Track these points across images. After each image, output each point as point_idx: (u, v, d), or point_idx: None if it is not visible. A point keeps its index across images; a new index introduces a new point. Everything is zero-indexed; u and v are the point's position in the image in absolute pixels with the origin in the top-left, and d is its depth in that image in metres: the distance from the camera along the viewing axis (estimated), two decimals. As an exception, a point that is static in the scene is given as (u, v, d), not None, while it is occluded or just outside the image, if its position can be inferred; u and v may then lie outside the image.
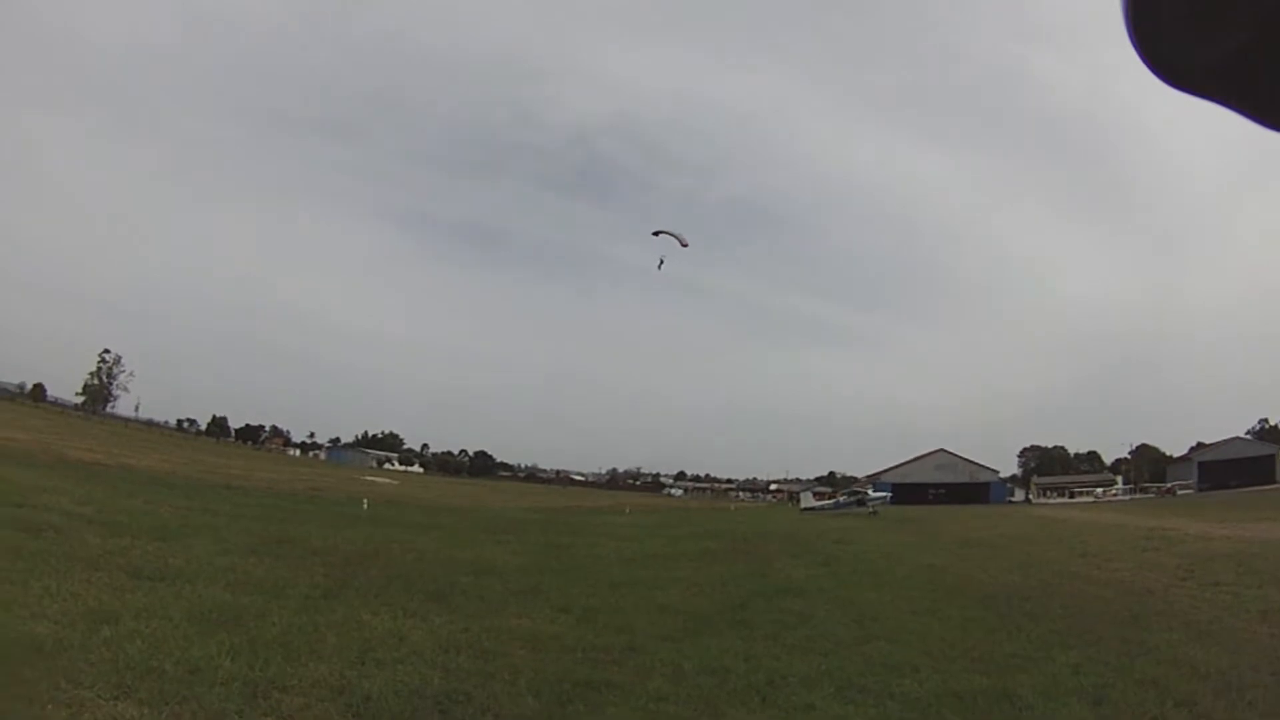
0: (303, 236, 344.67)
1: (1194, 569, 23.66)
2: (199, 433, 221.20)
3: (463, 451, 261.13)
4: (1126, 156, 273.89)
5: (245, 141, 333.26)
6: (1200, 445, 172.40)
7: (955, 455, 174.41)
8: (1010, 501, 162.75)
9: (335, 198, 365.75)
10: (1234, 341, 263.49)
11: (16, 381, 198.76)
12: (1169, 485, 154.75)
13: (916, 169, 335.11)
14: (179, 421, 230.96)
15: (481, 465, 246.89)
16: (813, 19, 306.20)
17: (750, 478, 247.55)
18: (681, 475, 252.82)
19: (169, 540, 18.31)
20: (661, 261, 28.39)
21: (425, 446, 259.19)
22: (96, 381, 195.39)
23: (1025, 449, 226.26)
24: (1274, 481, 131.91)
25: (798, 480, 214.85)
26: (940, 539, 44.96)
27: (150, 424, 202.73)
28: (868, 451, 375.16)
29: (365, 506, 40.93)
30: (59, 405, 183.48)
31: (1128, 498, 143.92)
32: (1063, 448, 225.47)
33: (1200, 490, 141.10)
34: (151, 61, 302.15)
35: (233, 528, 23.09)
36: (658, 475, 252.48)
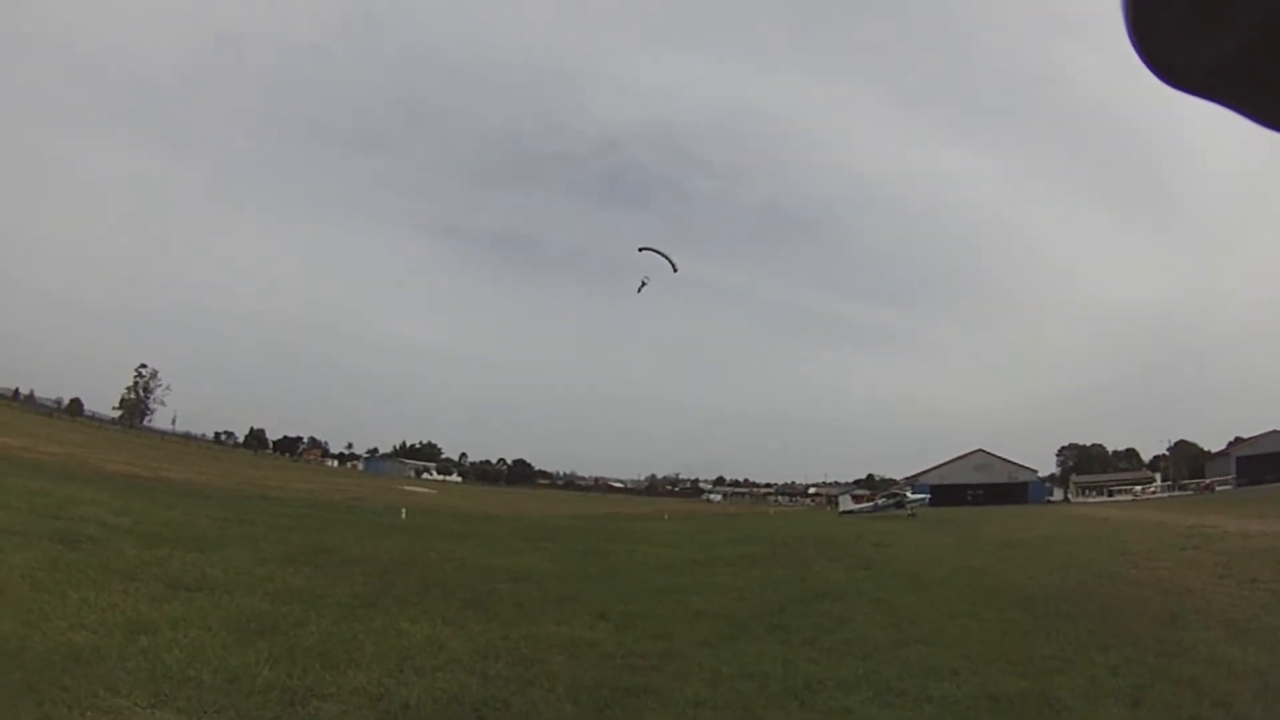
0: (338, 248, 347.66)
1: (1232, 566, 23.42)
2: (236, 445, 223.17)
3: (501, 460, 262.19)
4: (1163, 154, 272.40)
5: (279, 155, 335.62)
6: (1238, 440, 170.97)
7: (993, 455, 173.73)
8: (1049, 501, 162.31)
9: (370, 209, 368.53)
10: (1271, 335, 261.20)
11: (54, 397, 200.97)
12: (1207, 481, 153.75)
13: (951, 169, 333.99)
14: (216, 434, 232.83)
15: (519, 473, 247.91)
16: (843, 21, 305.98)
17: (789, 481, 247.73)
18: (720, 480, 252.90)
19: (206, 551, 18.38)
20: (643, 284, 27.91)
21: (463, 455, 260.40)
22: (133, 396, 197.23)
23: (1063, 448, 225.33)
24: None
25: (836, 483, 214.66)
26: (979, 540, 44.63)
27: (187, 437, 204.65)
28: (906, 453, 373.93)
29: (403, 516, 41.00)
30: (96, 420, 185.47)
31: (1166, 495, 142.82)
32: (1101, 446, 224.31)
33: (1239, 486, 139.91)
34: (187, 78, 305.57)
35: (270, 538, 23.16)
36: (696, 481, 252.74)
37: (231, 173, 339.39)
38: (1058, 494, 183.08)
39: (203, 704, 7.99)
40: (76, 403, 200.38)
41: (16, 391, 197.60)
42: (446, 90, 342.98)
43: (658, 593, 19.65)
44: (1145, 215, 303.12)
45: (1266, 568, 22.36)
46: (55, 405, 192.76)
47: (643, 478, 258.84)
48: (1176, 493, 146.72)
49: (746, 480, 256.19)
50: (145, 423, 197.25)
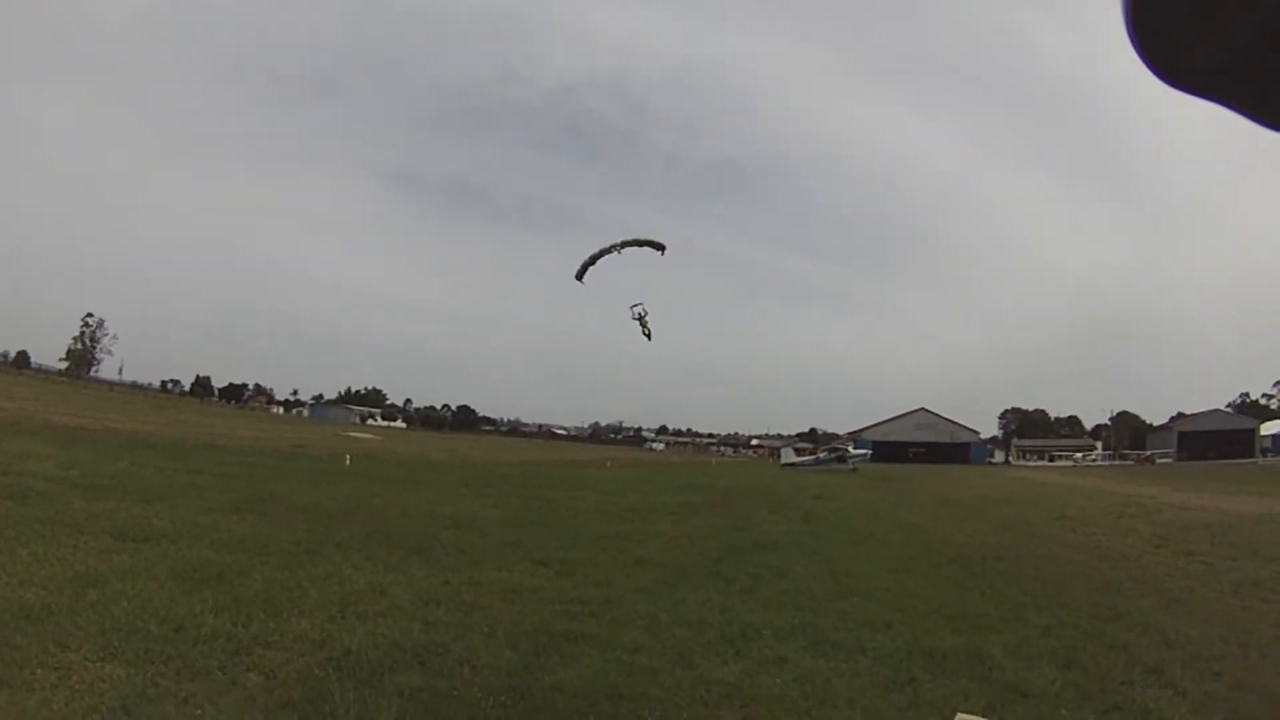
0: (286, 195, 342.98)
1: (1169, 538, 23.88)
2: (183, 394, 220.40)
3: (445, 406, 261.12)
4: (1122, 128, 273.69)
5: (226, 102, 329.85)
6: (1181, 415, 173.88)
7: (936, 415, 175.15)
8: (990, 462, 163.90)
9: (318, 156, 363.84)
10: (1218, 316, 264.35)
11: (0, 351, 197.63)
12: (1148, 453, 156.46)
13: (906, 131, 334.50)
14: (163, 383, 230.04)
15: (464, 420, 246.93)
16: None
17: (732, 433, 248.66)
18: (663, 429, 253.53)
19: (153, 501, 18.46)
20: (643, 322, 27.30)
21: (408, 402, 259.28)
22: (80, 346, 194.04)
23: (1006, 411, 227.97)
24: (1252, 455, 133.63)
25: (779, 436, 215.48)
26: (918, 498, 45.41)
27: (135, 386, 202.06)
28: (849, 409, 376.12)
29: (348, 462, 40.97)
30: (43, 372, 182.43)
31: (1107, 464, 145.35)
32: (1044, 411, 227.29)
33: (1179, 460, 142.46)
34: (130, 22, 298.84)
35: (215, 487, 23.22)
36: (639, 429, 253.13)
37: (178, 121, 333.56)
38: (999, 456, 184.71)
39: (150, 655, 8.15)
40: (23, 355, 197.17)
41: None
42: (399, 37, 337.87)
43: (598, 540, 19.91)
44: (1100, 187, 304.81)
45: (1202, 541, 22.83)
46: (1, 359, 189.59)
47: (586, 425, 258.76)
48: (1117, 462, 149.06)
49: (690, 430, 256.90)
50: (92, 373, 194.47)
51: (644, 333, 26.90)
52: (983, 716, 7.91)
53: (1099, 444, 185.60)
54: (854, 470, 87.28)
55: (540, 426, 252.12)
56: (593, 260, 26.98)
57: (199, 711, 6.98)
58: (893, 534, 25.12)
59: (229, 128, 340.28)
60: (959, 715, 7.95)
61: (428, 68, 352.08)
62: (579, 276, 25.65)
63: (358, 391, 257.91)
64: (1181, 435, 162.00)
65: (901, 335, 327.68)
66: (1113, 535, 25.04)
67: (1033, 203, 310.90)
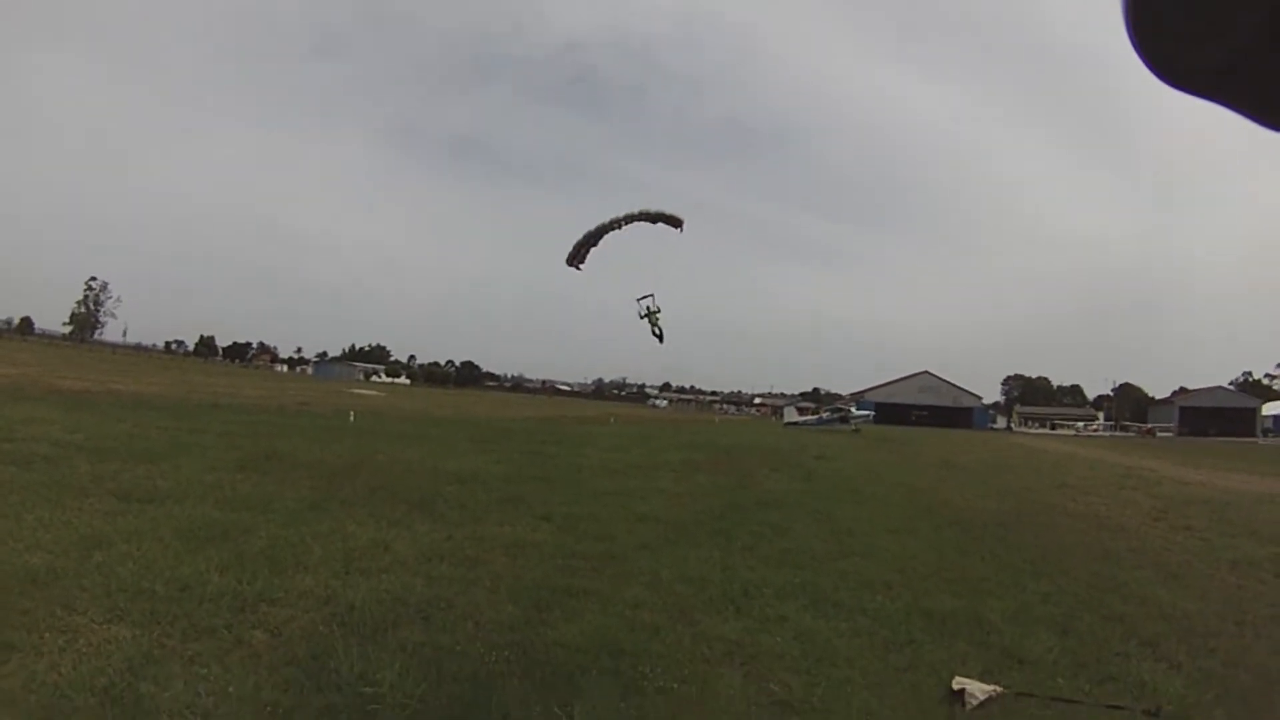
0: (290, 153, 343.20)
1: (1167, 511, 23.87)
2: (187, 354, 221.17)
3: (449, 362, 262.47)
4: (1134, 98, 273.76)
5: (228, 61, 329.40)
6: (1183, 390, 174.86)
7: (939, 378, 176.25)
8: (992, 428, 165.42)
9: (321, 114, 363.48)
10: (1224, 293, 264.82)
11: (4, 318, 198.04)
12: (1149, 426, 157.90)
13: (915, 93, 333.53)
14: (167, 344, 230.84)
15: (468, 376, 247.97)
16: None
17: (735, 391, 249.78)
18: (667, 386, 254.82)
19: (157, 462, 18.54)
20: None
21: (412, 358, 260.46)
22: (83, 310, 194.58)
23: (1009, 377, 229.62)
24: (1254, 434, 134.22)
25: (782, 395, 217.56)
26: (920, 460, 45.59)
27: (139, 348, 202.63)
28: (852, 370, 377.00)
29: (351, 419, 41.12)
30: (47, 337, 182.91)
31: (1108, 434, 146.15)
32: (1046, 379, 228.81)
33: (1180, 435, 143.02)
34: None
35: (219, 446, 23.29)
36: (643, 386, 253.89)
37: (179, 80, 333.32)
38: (1001, 422, 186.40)
39: (156, 615, 8.21)
40: (26, 321, 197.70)
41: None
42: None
43: (601, 496, 20.02)
44: (1109, 157, 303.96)
45: (1201, 516, 22.84)
46: (5, 326, 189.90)
47: (590, 382, 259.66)
48: (1118, 433, 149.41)
49: (693, 388, 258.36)
50: (96, 336, 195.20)
51: (654, 333, 25.86)
52: (980, 680, 7.99)
53: (1101, 414, 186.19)
54: (856, 431, 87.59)
55: (544, 383, 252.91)
56: (592, 240, 25.43)
57: (205, 670, 7.04)
58: (894, 495, 25.15)
59: (231, 86, 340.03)
60: (956, 678, 8.02)
61: (431, 24, 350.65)
62: (571, 262, 24.26)
63: (362, 348, 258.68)
64: (1183, 410, 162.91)
65: (906, 297, 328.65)
66: (1112, 506, 25.04)
67: (1041, 169, 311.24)
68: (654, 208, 23.97)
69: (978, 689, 7.70)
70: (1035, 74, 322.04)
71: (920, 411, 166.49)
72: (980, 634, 9.95)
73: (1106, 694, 7.99)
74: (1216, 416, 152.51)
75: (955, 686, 7.81)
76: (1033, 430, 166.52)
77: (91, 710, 6.19)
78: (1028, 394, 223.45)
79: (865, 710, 7.36)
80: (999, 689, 7.81)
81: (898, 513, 20.78)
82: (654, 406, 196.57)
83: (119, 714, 6.17)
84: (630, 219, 22.58)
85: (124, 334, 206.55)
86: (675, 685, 7.63)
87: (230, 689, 6.73)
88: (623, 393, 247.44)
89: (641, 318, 25.98)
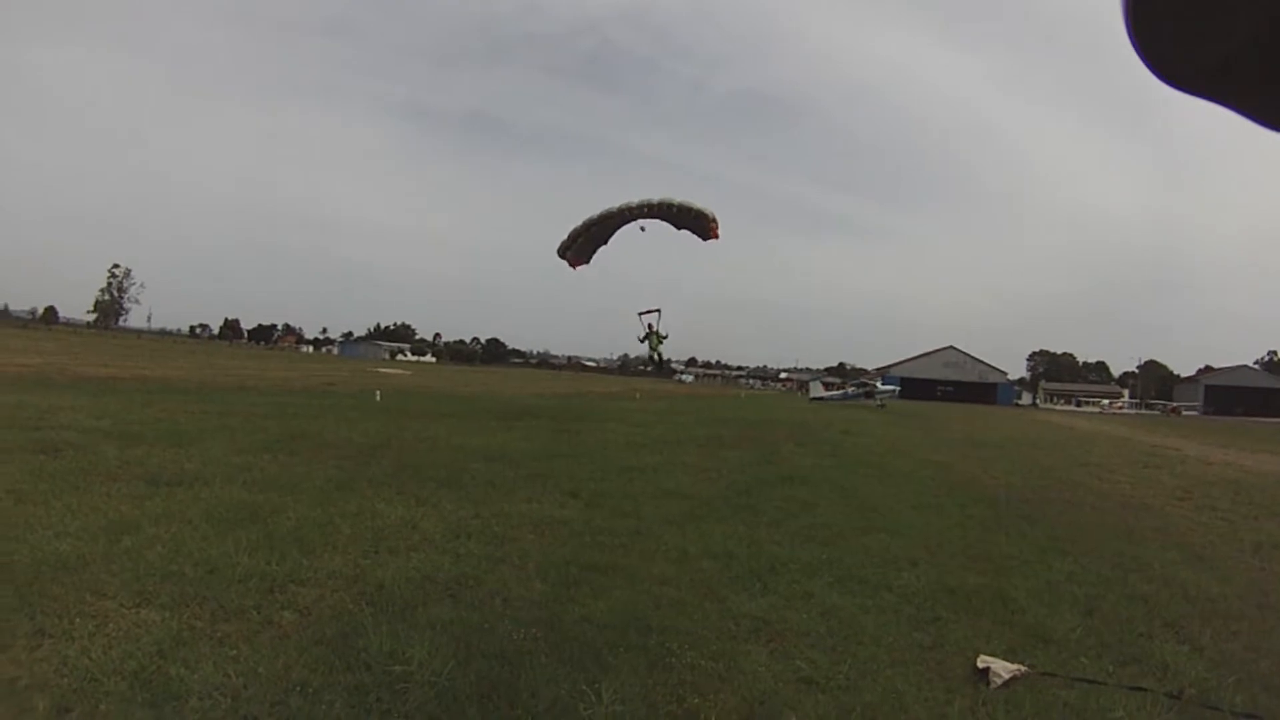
0: (307, 135, 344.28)
1: (1192, 491, 23.71)
2: (212, 337, 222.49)
3: (475, 340, 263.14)
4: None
5: (242, 45, 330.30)
6: (1208, 369, 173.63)
7: (965, 354, 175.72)
8: (1017, 404, 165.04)
9: (337, 95, 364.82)
10: (1250, 272, 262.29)
11: (28, 308, 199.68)
12: (1174, 404, 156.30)
13: (936, 65, 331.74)
14: (191, 328, 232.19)
15: (493, 353, 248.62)
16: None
17: (760, 365, 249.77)
18: (693, 362, 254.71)
19: (185, 445, 18.65)
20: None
21: (437, 336, 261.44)
22: (107, 297, 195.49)
23: (1035, 353, 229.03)
24: (1279, 414, 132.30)
25: (807, 370, 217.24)
26: (946, 436, 45.67)
27: (163, 333, 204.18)
28: (877, 345, 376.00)
29: (378, 398, 41.24)
30: (72, 325, 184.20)
31: (1133, 412, 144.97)
32: (1071, 355, 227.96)
33: (1205, 413, 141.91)
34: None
35: (246, 428, 23.44)
36: (669, 361, 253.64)
37: (197, 65, 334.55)
38: (1026, 398, 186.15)
39: (185, 597, 8.24)
40: (51, 311, 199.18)
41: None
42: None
43: (627, 472, 20.08)
44: (1138, 132, 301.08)
45: (1225, 496, 22.69)
46: (30, 316, 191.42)
47: (615, 357, 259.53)
48: (1143, 411, 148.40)
49: (719, 362, 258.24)
50: (121, 323, 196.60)
51: (651, 355, 24.82)
52: (1004, 660, 7.94)
53: (1126, 392, 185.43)
54: (881, 406, 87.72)
55: (570, 359, 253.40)
56: (597, 236, 23.98)
57: (234, 651, 7.06)
58: (919, 471, 25.05)
59: (248, 69, 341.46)
60: (981, 656, 7.97)
61: (446, 2, 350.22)
62: (563, 254, 23.15)
63: (387, 327, 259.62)
64: (1208, 389, 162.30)
65: (931, 272, 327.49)
66: (1136, 485, 24.86)
67: (1069, 144, 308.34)
68: (677, 197, 22.64)
69: (1002, 668, 7.66)
70: (1062, 48, 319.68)
71: (945, 387, 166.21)
72: (1005, 612, 9.90)
73: (1129, 675, 7.91)
74: (1242, 395, 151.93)
75: (980, 665, 7.77)
76: (1058, 406, 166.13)
77: (122, 693, 6.21)
78: (1053, 370, 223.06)
79: (890, 688, 7.32)
80: (1023, 668, 7.76)
81: (923, 489, 20.71)
82: (680, 382, 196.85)
83: (149, 696, 6.20)
84: (647, 210, 21.36)
85: (148, 319, 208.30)
86: (702, 661, 7.61)
87: (260, 669, 6.74)
88: (648, 368, 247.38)
89: (641, 340, 25.07)
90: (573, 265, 23.58)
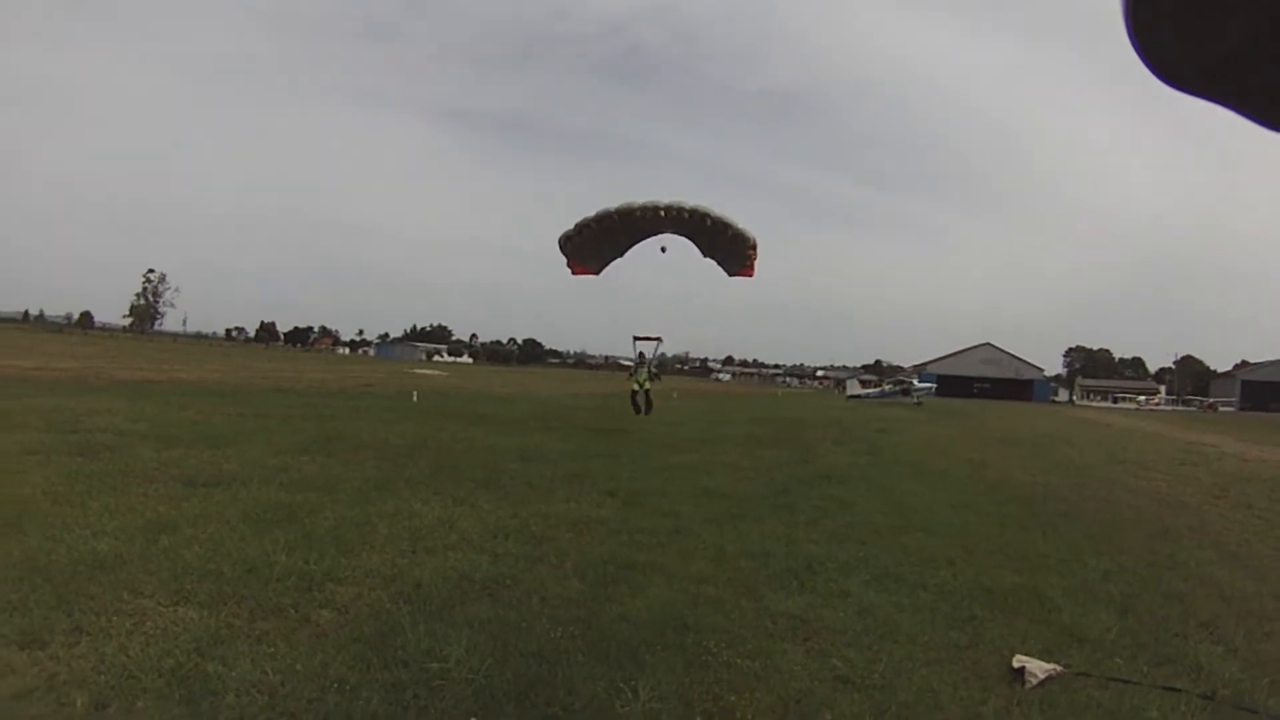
0: (342, 138, 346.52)
1: (1228, 489, 23.38)
2: (247, 340, 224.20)
3: (511, 340, 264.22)
4: None
5: (278, 50, 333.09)
6: (1244, 363, 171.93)
7: (1001, 350, 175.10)
8: (1053, 401, 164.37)
9: (372, 99, 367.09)
10: None
11: (64, 313, 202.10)
12: (1210, 400, 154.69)
13: (969, 58, 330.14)
14: (227, 331, 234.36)
15: (530, 353, 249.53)
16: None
17: (797, 364, 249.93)
18: (729, 360, 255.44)
19: (222, 447, 18.75)
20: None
21: (474, 336, 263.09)
22: (142, 301, 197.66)
23: (1071, 349, 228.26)
24: None
25: (844, 368, 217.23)
26: (982, 434, 45.37)
27: (199, 336, 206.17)
28: (914, 342, 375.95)
29: (415, 399, 41.47)
30: (107, 330, 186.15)
31: (1169, 408, 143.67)
32: (1108, 351, 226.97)
33: (1240, 409, 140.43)
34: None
35: (284, 429, 23.60)
36: (705, 360, 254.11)
37: (232, 70, 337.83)
38: (1062, 394, 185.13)
39: (223, 596, 8.28)
40: (87, 316, 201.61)
41: (26, 313, 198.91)
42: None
43: (665, 471, 20.04)
44: (1175, 125, 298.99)
45: (1262, 495, 22.39)
46: (66, 321, 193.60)
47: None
48: (1180, 407, 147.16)
49: (755, 361, 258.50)
50: (156, 327, 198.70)
51: (636, 386, 23.40)
52: (1040, 660, 7.85)
53: (1162, 388, 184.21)
54: (919, 404, 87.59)
55: (606, 358, 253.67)
56: (611, 246, 22.61)
57: (272, 649, 7.06)
58: (956, 470, 24.93)
59: (279, 76, 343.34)
60: (1017, 656, 7.89)
61: (479, 5, 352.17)
62: (565, 246, 21.85)
63: (423, 329, 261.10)
64: (1245, 384, 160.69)
65: (966, 268, 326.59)
66: (1172, 482, 24.53)
67: (1105, 137, 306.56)
68: (715, 209, 21.04)
69: (1038, 667, 7.59)
70: (1094, 35, 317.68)
71: (982, 384, 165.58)
72: (1041, 611, 9.80)
73: (1164, 675, 7.80)
74: (1278, 391, 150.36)
75: (1015, 664, 7.69)
76: (1094, 403, 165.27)
77: (159, 690, 6.22)
78: (1089, 366, 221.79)
79: (925, 687, 7.25)
80: (1058, 668, 7.68)
81: (959, 487, 20.57)
82: (717, 380, 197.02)
83: (185, 693, 6.20)
84: (674, 217, 19.98)
85: (184, 323, 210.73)
86: (739, 660, 7.56)
87: (297, 666, 6.74)
88: (685, 367, 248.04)
89: (630, 374, 23.98)
90: (574, 269, 22.53)
